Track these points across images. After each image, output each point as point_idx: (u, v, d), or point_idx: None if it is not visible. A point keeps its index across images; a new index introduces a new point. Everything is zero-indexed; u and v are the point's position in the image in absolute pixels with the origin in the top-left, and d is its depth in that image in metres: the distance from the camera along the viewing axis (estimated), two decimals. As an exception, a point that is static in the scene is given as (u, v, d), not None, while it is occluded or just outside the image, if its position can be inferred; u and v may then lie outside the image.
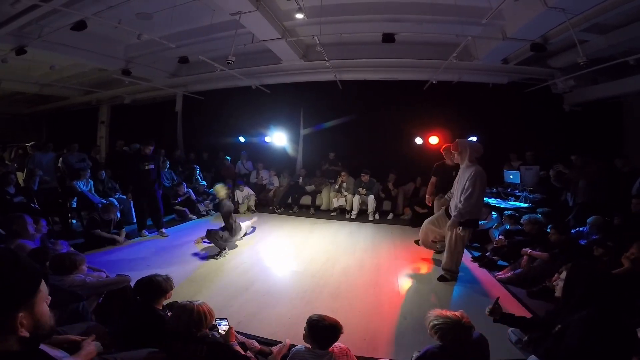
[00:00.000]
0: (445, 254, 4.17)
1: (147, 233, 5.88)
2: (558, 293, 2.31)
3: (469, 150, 3.89)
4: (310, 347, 2.08)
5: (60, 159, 7.42)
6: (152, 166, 5.77)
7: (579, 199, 5.34)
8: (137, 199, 6.14)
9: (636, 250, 2.87)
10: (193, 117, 10.30)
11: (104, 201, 6.20)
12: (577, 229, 4.76)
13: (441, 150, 5.09)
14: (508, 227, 5.18)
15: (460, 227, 3.88)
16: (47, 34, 5.63)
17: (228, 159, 9.44)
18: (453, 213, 3.95)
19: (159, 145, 8.82)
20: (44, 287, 1.01)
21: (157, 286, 2.40)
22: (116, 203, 6.21)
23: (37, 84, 9.18)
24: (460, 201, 3.80)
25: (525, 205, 6.07)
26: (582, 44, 5.16)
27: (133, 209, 6.64)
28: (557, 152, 6.68)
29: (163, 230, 5.98)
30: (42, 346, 1.16)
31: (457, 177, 4.07)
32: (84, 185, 6.35)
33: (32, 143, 8.41)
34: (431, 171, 5.37)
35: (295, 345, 2.35)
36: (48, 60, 7.48)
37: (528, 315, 3.11)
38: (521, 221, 4.72)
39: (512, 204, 6.26)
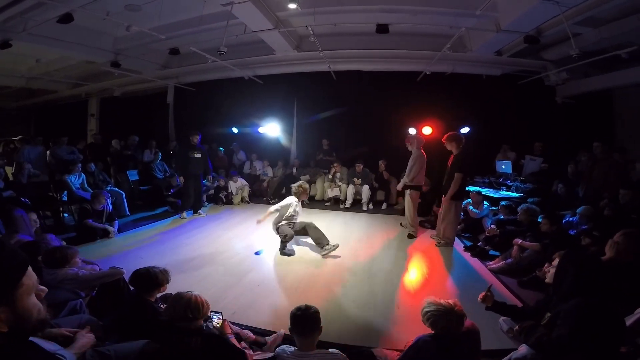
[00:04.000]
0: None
1: (186, 215, 6.61)
2: (549, 279, 2.34)
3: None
4: (296, 342, 2.05)
5: (48, 152, 7.32)
6: (199, 155, 6.58)
7: (590, 191, 5.33)
8: (185, 183, 6.62)
9: (620, 239, 2.87)
10: (185, 108, 10.18)
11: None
12: (567, 218, 4.84)
13: (443, 140, 5.08)
14: (502, 217, 5.24)
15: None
16: (33, 27, 5.48)
17: (221, 150, 9.39)
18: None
19: (151, 137, 8.78)
20: (28, 280, 0.96)
21: (154, 278, 2.39)
22: (108, 195, 6.19)
23: (24, 77, 8.96)
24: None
25: (517, 195, 6.15)
26: (575, 37, 5.18)
27: (125, 202, 6.62)
28: (564, 147, 6.75)
29: (200, 211, 6.84)
30: (36, 340, 1.15)
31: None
32: (76, 179, 6.27)
33: (20, 137, 8.27)
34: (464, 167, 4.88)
35: (289, 335, 2.37)
36: (34, 54, 7.32)
37: (519, 304, 3.15)
38: (517, 210, 4.76)
39: (504, 193, 6.34)
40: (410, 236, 5.58)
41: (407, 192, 5.60)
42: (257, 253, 4.80)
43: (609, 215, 4.42)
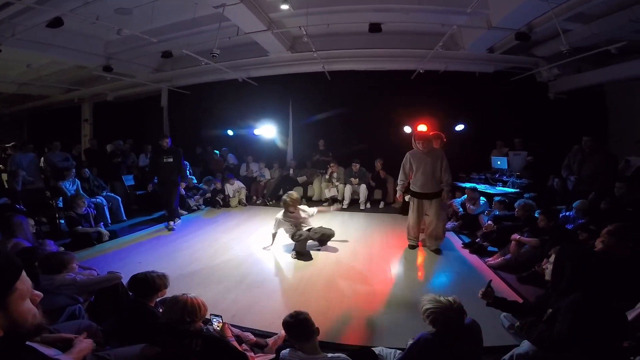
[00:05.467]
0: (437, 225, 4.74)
1: (173, 225, 6.02)
2: (548, 277, 2.35)
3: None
4: (298, 348, 2.05)
5: (42, 158, 7.24)
6: (170, 159, 5.91)
7: (581, 186, 5.37)
8: (158, 191, 6.27)
9: (605, 237, 2.89)
10: (179, 112, 10.13)
11: (94, 200, 6.14)
12: (563, 213, 4.87)
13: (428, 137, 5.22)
14: (497, 212, 5.26)
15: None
16: (22, 32, 5.42)
17: (217, 153, 9.35)
18: (433, 189, 4.62)
19: (145, 141, 8.73)
20: (22, 285, 0.95)
21: (152, 283, 2.39)
22: (104, 201, 6.18)
23: (15, 83, 8.87)
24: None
25: (513, 190, 6.19)
26: (566, 33, 5.23)
27: (122, 207, 6.58)
28: (557, 142, 6.82)
29: (172, 223, 6.03)
30: (35, 345, 1.14)
31: (418, 161, 4.62)
32: (70, 185, 6.22)
33: (12, 143, 8.19)
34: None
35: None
36: (24, 59, 7.22)
37: (519, 300, 3.16)
38: (515, 205, 4.78)
39: (500, 189, 6.38)
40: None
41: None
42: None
43: (606, 208, 4.45)
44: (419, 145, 4.61)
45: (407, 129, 7.55)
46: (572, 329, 1.81)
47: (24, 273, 0.98)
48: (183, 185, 6.31)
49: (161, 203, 6.35)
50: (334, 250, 4.91)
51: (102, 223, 5.55)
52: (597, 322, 1.78)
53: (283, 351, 2.09)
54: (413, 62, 7.44)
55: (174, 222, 6.09)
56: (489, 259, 4.41)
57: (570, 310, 1.88)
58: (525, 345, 2.11)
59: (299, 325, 2.02)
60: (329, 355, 2.02)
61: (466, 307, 1.96)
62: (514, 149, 7.20)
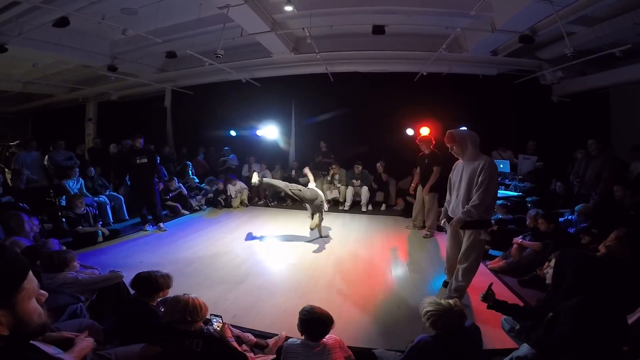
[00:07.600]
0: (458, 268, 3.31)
1: (149, 228, 5.89)
2: (549, 280, 2.35)
3: (469, 141, 3.23)
4: (303, 338, 2.09)
5: (46, 157, 7.29)
6: (144, 160, 5.74)
7: (583, 189, 5.37)
8: (133, 194, 6.16)
9: (613, 243, 2.88)
10: (183, 112, 10.18)
11: (97, 199, 6.18)
12: (567, 217, 4.85)
13: (417, 141, 5.81)
14: (500, 216, 5.24)
15: (481, 231, 3.12)
16: (28, 31, 5.45)
17: (201, 156, 9.42)
18: (455, 213, 3.21)
19: (149, 141, 8.74)
20: (29, 284, 0.97)
21: (155, 282, 2.40)
22: (107, 200, 6.20)
23: (20, 82, 8.92)
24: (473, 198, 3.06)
25: (516, 194, 6.16)
26: (570, 36, 5.20)
27: (124, 206, 6.61)
28: (560, 145, 6.78)
29: (161, 224, 5.96)
30: (37, 343, 1.15)
31: (457, 173, 3.38)
32: (74, 184, 6.26)
33: (16, 142, 8.24)
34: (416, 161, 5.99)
35: (291, 338, 2.37)
36: (30, 58, 7.27)
37: (520, 304, 3.14)
38: (527, 215, 4.72)
39: (502, 192, 6.34)
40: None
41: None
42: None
43: (608, 212, 4.42)
44: (454, 151, 3.33)
45: (410, 132, 7.54)
46: (574, 332, 1.80)
47: (31, 272, 0.99)
48: (161, 186, 6.00)
49: (137, 206, 6.12)
50: (335, 251, 4.91)
51: (100, 222, 5.59)
52: (599, 325, 1.77)
53: (289, 340, 2.15)
54: (416, 64, 7.43)
55: (162, 224, 5.98)
56: (491, 262, 4.40)
57: (573, 312, 1.87)
58: (524, 349, 2.10)
59: (321, 326, 2.07)
60: (327, 336, 2.12)
61: (466, 310, 1.96)
62: (525, 151, 7.15)
